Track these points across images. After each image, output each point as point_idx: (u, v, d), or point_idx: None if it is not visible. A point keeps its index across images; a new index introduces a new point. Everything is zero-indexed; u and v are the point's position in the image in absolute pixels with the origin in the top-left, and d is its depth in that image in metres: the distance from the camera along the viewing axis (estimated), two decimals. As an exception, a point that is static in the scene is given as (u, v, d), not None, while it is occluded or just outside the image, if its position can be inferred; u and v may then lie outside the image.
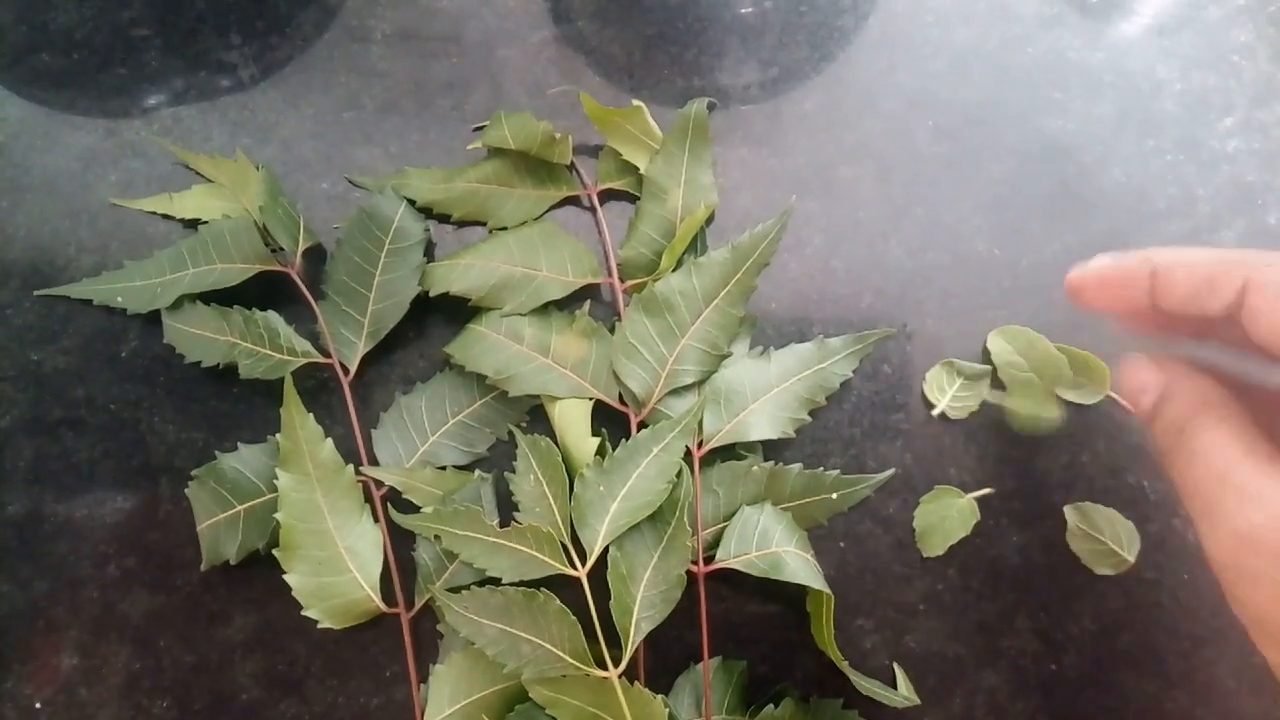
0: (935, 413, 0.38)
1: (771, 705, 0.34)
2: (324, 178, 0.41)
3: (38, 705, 0.36)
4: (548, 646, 0.33)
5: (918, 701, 0.35)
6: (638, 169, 0.40)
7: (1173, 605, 0.36)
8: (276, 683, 0.36)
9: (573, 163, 0.41)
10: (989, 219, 0.41)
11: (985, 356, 0.39)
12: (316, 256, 0.40)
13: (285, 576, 0.34)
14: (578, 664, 0.32)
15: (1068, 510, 0.37)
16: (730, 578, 0.35)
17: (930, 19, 0.44)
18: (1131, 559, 0.37)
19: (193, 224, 0.40)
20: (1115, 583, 0.37)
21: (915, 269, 0.40)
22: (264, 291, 0.38)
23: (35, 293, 0.39)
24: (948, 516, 0.37)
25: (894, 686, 0.36)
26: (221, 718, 0.36)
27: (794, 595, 0.36)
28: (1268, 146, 0.42)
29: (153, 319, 0.38)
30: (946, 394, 0.38)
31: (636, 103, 0.40)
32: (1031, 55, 0.43)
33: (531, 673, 0.33)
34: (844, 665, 0.34)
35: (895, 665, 0.36)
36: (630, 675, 0.33)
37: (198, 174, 0.41)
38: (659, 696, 0.32)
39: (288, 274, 0.38)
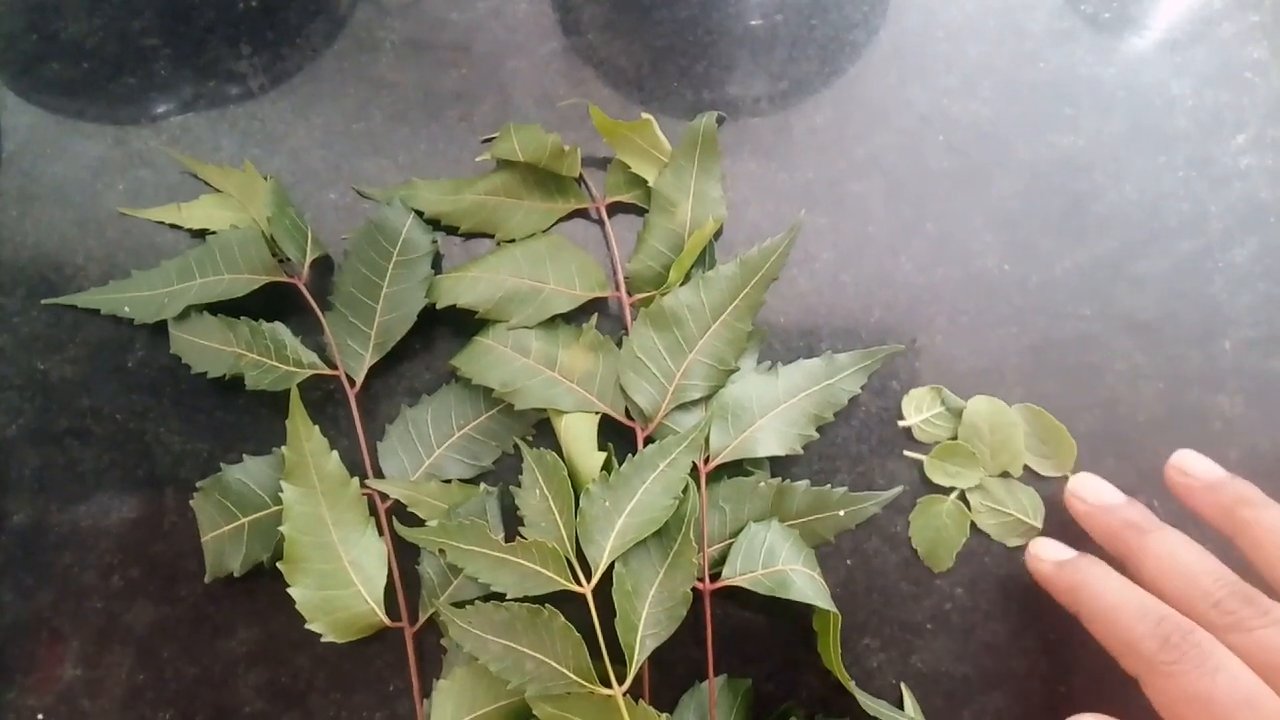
0: (903, 424, 0.38)
1: (777, 724, 0.34)
2: (332, 188, 0.41)
3: (40, 716, 0.36)
4: (552, 663, 0.32)
5: (924, 722, 0.35)
6: (646, 182, 0.40)
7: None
8: (279, 696, 0.36)
9: (581, 175, 0.41)
10: (1000, 235, 0.40)
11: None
12: (324, 267, 0.40)
13: (289, 589, 0.34)
14: (582, 681, 0.32)
15: (969, 495, 0.37)
16: (736, 595, 0.35)
17: (941, 34, 0.44)
18: (1040, 524, 0.37)
19: (200, 234, 0.40)
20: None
21: (925, 285, 0.40)
22: (271, 302, 0.38)
23: (42, 302, 0.39)
24: (942, 525, 0.37)
25: (901, 707, 0.35)
26: (224, 731, 0.36)
27: (800, 613, 0.36)
28: (1281, 164, 0.42)
29: (159, 329, 0.38)
30: (921, 414, 0.38)
31: (645, 115, 0.40)
32: (1043, 71, 0.43)
33: (535, 689, 0.32)
34: (850, 685, 0.34)
35: (903, 686, 0.36)
36: (635, 693, 0.33)
37: (206, 184, 0.41)
38: (664, 715, 0.32)
39: (295, 285, 0.38)
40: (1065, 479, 0.37)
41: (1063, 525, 0.37)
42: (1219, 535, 0.33)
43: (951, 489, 0.37)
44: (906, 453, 0.38)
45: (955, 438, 0.38)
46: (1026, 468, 0.38)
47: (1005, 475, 0.37)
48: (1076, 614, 0.33)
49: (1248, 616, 0.29)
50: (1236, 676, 0.28)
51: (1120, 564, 0.33)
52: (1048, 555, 0.35)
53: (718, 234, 0.40)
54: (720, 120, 0.42)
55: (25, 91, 0.42)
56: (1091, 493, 0.35)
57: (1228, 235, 0.41)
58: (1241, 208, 0.41)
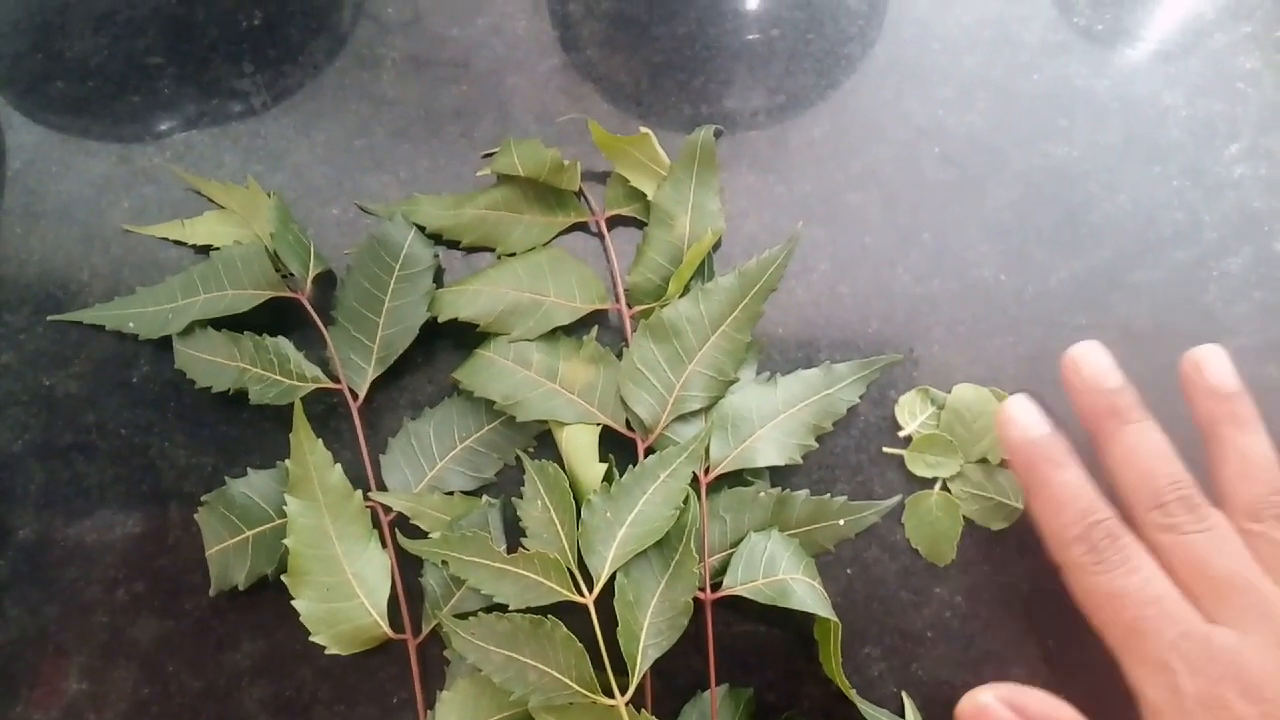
0: (903, 434, 0.38)
1: (779, 733, 0.34)
2: (334, 204, 0.41)
3: (46, 730, 0.36)
4: (554, 674, 0.33)
5: (926, 731, 0.35)
6: (645, 195, 0.40)
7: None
8: (284, 709, 0.36)
9: (581, 189, 0.41)
10: (995, 246, 0.41)
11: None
12: (327, 282, 0.40)
13: (293, 602, 0.34)
14: (584, 691, 0.32)
15: (950, 485, 0.38)
16: (737, 604, 0.35)
17: (937, 46, 0.44)
18: (1021, 506, 0.37)
19: (204, 250, 0.40)
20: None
21: (922, 295, 0.40)
22: (274, 317, 0.38)
23: (48, 318, 0.40)
24: (935, 518, 0.37)
25: (902, 716, 0.35)
26: (229, 744, 0.36)
27: (801, 622, 0.36)
28: (1274, 173, 0.42)
29: (164, 345, 0.39)
30: (917, 419, 0.38)
31: (644, 130, 0.40)
32: (1037, 82, 0.43)
33: (538, 700, 0.33)
34: (852, 694, 0.34)
35: (904, 695, 0.36)
36: (637, 703, 0.33)
37: (210, 200, 0.41)
38: (666, 724, 0.32)
39: (298, 300, 0.38)
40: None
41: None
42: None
43: (934, 480, 0.38)
44: (886, 449, 0.38)
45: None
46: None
47: (984, 461, 0.38)
48: (1026, 490, 0.35)
49: (1185, 522, 0.32)
50: (1149, 580, 0.31)
51: (1096, 443, 0.34)
52: (1020, 421, 0.35)
53: (716, 246, 0.40)
54: (718, 134, 0.42)
55: (30, 110, 0.43)
56: (1089, 367, 0.35)
57: (1222, 244, 0.41)
58: (1235, 217, 0.41)
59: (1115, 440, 0.34)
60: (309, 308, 0.38)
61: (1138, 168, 0.42)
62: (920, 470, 0.38)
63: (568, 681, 0.33)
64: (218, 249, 0.39)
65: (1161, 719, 0.30)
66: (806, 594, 0.34)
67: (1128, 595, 0.31)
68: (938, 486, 0.38)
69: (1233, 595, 0.31)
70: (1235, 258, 0.41)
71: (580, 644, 0.33)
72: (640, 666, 0.33)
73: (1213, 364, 0.35)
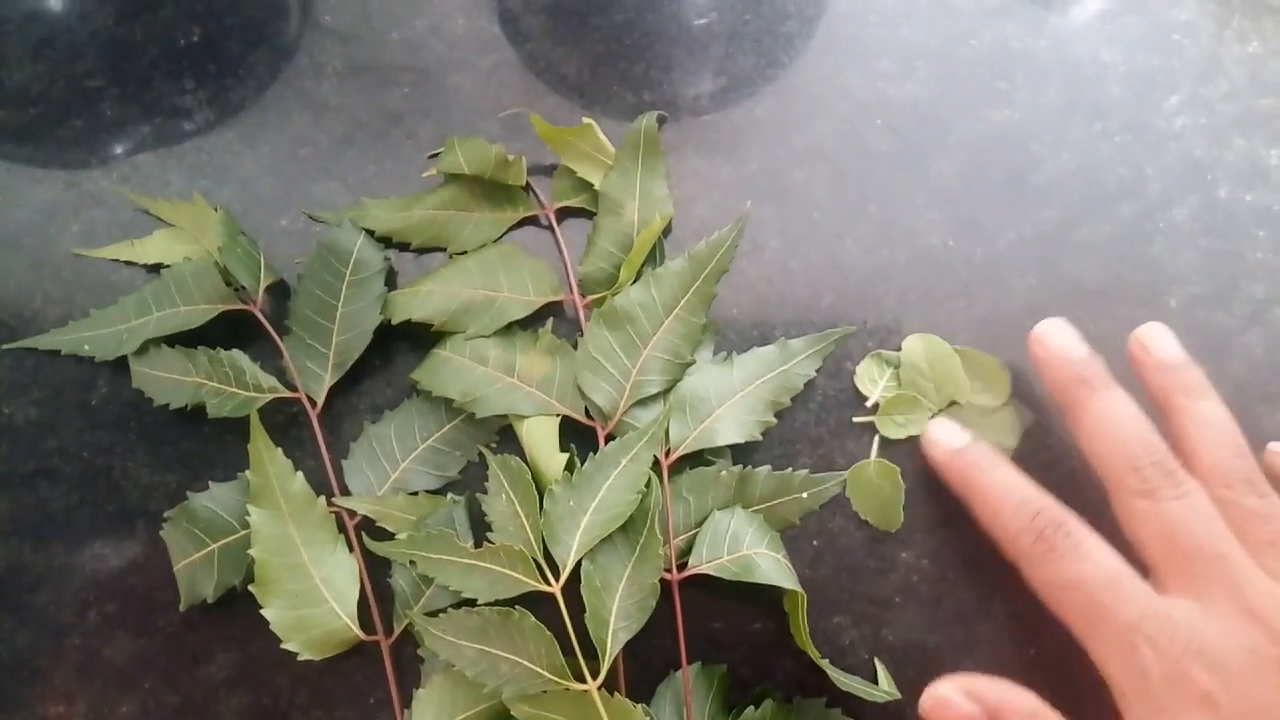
0: (869, 403, 0.39)
1: (752, 707, 0.34)
2: (283, 214, 0.41)
3: (26, 756, 0.36)
4: (526, 663, 0.33)
5: (899, 696, 0.35)
6: (593, 186, 0.41)
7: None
8: (262, 718, 0.36)
9: (528, 183, 0.41)
10: (942, 213, 0.41)
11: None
12: (280, 293, 0.40)
13: (263, 611, 0.34)
14: (556, 679, 0.33)
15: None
16: (707, 584, 0.35)
17: (874, 19, 0.44)
18: (1015, 443, 0.38)
19: (155, 269, 0.40)
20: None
21: (872, 266, 0.40)
22: (229, 331, 0.38)
23: (2, 347, 0.40)
24: (876, 487, 0.38)
25: (875, 681, 0.36)
26: (209, 756, 0.36)
27: (772, 598, 0.36)
28: (1214, 122, 0.43)
29: (120, 365, 0.39)
30: (879, 385, 0.39)
31: (587, 120, 0.40)
32: (975, 48, 0.44)
33: (512, 691, 0.33)
34: (824, 663, 0.35)
35: (876, 660, 0.36)
36: (610, 686, 0.34)
37: (159, 219, 0.41)
38: (639, 706, 0.33)
39: (251, 312, 0.39)
40: (1005, 406, 0.38)
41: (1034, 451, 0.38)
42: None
43: (910, 438, 0.38)
44: (856, 419, 0.39)
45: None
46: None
47: (954, 404, 0.38)
48: (966, 502, 0.35)
49: (1162, 487, 0.32)
50: (1102, 563, 0.31)
51: (1067, 415, 0.35)
52: (941, 441, 0.36)
53: (666, 231, 0.41)
54: (662, 120, 0.42)
55: (-26, 141, 0.43)
56: (1055, 340, 0.35)
57: (1166, 196, 0.41)
58: (1178, 168, 0.42)
59: (1086, 410, 0.34)
60: (262, 319, 0.39)
61: (1080, 126, 0.42)
62: (893, 432, 0.38)
63: (539, 670, 0.33)
64: (168, 267, 0.39)
65: (1129, 702, 0.30)
66: (771, 568, 0.34)
67: (1083, 580, 0.31)
68: (874, 451, 0.38)
69: (1203, 564, 0.31)
70: (1180, 208, 0.41)
71: (549, 633, 0.33)
72: (611, 650, 0.33)
73: (1157, 339, 0.35)
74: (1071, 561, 0.32)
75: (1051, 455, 0.38)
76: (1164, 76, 0.43)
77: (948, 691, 0.32)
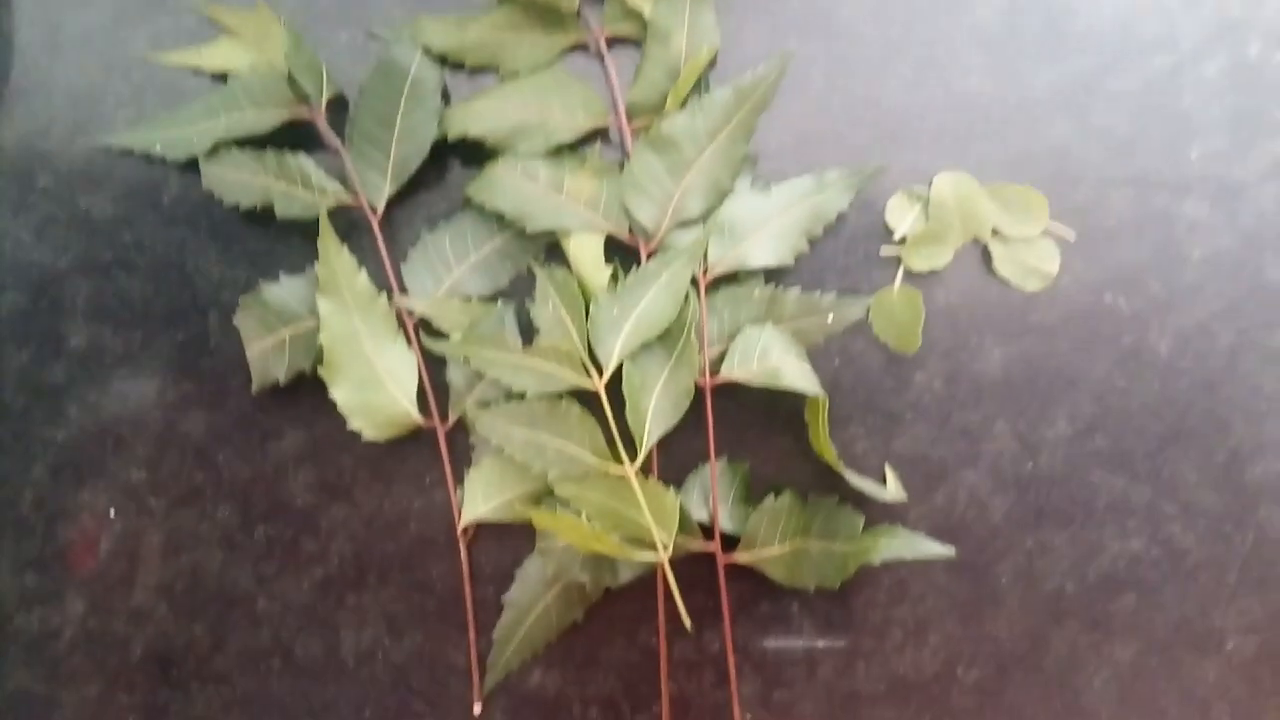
0: (897, 237, 0.41)
1: (772, 496, 0.38)
2: (343, 29, 0.43)
3: (112, 513, 0.40)
4: (571, 447, 0.36)
5: (905, 497, 0.39)
6: (642, 14, 0.42)
7: (1141, 410, 0.40)
8: (327, 490, 0.40)
9: (580, 9, 0.42)
10: (981, 57, 0.42)
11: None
12: (339, 107, 0.42)
13: (331, 392, 0.37)
14: (599, 460, 0.36)
15: (991, 246, 0.40)
16: (736, 394, 0.39)
17: None
18: (1055, 271, 0.40)
19: (222, 78, 0.42)
20: (1088, 389, 0.40)
21: (910, 105, 0.42)
22: (292, 142, 0.40)
23: (78, 142, 0.42)
24: (896, 311, 0.40)
25: (884, 484, 0.39)
26: (280, 520, 0.40)
27: (794, 411, 0.39)
28: (1253, -20, 0.43)
29: (190, 167, 0.41)
30: (907, 219, 0.41)
31: (640, -53, 0.41)
32: (1026, -106, 0.44)
33: (556, 472, 0.36)
34: (839, 464, 0.38)
35: (886, 466, 0.40)
36: (645, 472, 0.37)
37: (223, 28, 0.42)
38: (670, 487, 0.36)
39: (314, 121, 0.40)
40: (1044, 234, 0.40)
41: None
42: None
43: (932, 272, 0.40)
44: (884, 249, 0.41)
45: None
46: (996, 231, 0.40)
47: (976, 241, 0.40)
48: None
49: None
50: None
51: None
52: None
53: (712, 62, 0.42)
54: (712, -48, 0.43)
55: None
56: None
57: (1197, 51, 0.42)
58: (1212, 23, 0.43)
59: None
60: (326, 128, 0.40)
61: (1121, -24, 0.43)
62: (918, 265, 0.40)
63: (584, 453, 0.36)
64: (235, 76, 0.41)
65: None
66: (797, 375, 0.37)
67: None
68: (898, 278, 0.40)
69: None
70: (1211, 63, 0.42)
71: (594, 419, 0.36)
72: (647, 442, 0.36)
73: None
74: None
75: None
76: (1210, -68, 0.44)
77: None
